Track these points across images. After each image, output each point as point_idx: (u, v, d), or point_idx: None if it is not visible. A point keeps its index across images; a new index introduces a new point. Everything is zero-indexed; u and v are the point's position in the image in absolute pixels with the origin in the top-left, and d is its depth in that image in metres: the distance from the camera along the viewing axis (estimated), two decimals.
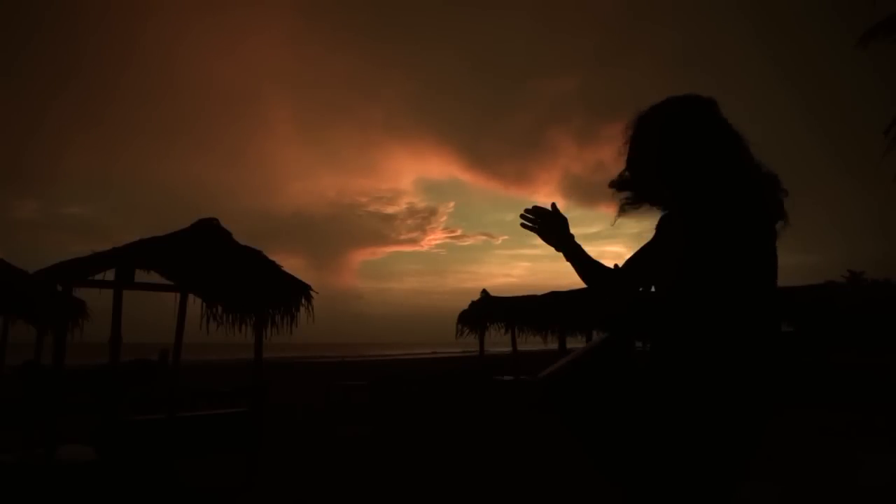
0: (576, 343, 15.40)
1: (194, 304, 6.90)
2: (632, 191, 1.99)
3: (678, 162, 1.84)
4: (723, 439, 1.68)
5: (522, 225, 2.02)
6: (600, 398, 1.80)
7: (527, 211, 2.03)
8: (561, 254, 2.00)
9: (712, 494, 1.70)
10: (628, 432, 1.77)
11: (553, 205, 2.02)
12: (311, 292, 7.13)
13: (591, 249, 2.02)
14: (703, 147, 1.82)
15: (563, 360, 1.97)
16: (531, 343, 16.27)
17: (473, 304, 15.82)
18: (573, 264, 1.97)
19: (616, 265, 1.99)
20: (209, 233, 6.83)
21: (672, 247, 1.85)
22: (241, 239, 7.07)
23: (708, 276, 1.75)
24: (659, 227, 1.98)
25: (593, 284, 1.94)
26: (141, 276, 6.50)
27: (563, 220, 2.00)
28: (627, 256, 2.02)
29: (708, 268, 1.75)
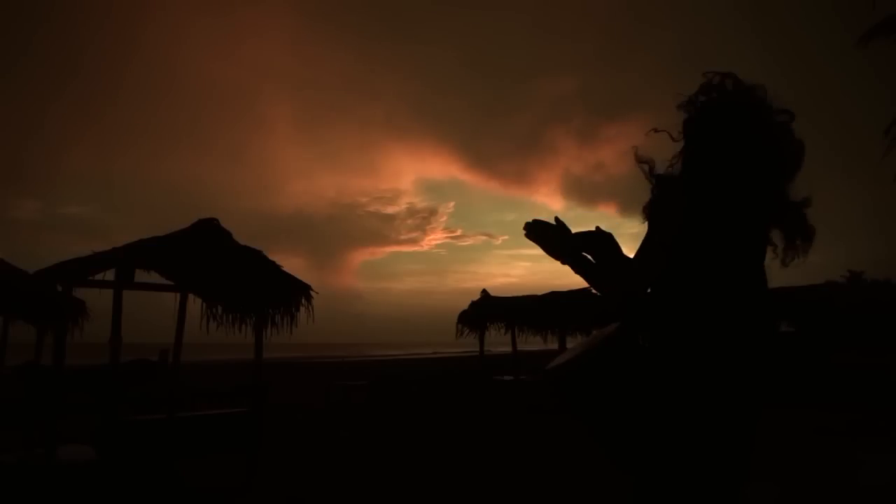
0: (576, 343, 15.35)
1: (194, 304, 6.91)
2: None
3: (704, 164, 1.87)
4: (710, 434, 1.70)
5: (527, 236, 1.96)
6: (610, 387, 1.81)
7: (528, 226, 1.96)
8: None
9: (706, 490, 1.71)
10: (635, 422, 1.78)
11: (556, 218, 1.95)
12: (311, 292, 7.14)
13: None
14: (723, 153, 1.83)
15: (570, 351, 1.99)
16: (531, 343, 16.28)
17: (473, 304, 15.83)
18: (581, 276, 1.94)
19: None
20: (209, 233, 6.85)
21: (666, 237, 1.86)
22: (241, 239, 7.09)
23: (692, 273, 1.79)
24: (650, 217, 1.98)
25: (602, 292, 1.94)
26: (141, 276, 6.52)
27: (567, 235, 1.92)
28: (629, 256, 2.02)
29: (692, 265, 1.79)
